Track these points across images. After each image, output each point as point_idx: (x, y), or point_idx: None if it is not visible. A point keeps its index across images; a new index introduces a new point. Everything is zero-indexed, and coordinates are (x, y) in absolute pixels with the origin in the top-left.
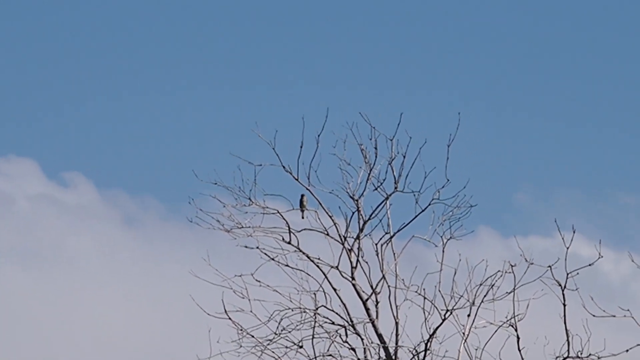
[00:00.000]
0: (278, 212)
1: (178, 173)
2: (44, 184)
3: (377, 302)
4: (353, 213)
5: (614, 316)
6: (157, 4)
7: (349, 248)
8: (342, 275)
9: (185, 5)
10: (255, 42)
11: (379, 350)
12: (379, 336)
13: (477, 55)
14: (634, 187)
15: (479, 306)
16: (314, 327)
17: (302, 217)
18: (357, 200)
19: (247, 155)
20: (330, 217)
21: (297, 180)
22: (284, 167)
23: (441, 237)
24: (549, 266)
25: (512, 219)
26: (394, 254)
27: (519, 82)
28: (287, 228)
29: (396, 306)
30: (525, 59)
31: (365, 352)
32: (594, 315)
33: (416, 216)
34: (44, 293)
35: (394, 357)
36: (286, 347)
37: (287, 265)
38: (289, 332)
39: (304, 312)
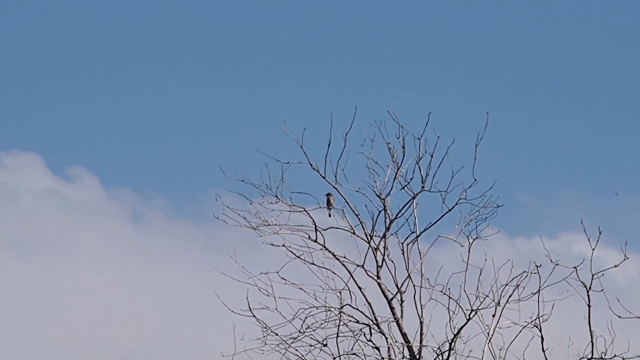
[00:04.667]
0: (305, 210)
1: (183, 171)
2: (49, 179)
3: (402, 302)
4: (380, 212)
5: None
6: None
7: (375, 247)
8: (367, 274)
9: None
10: (284, 38)
11: (403, 349)
12: (404, 335)
13: (490, 57)
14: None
15: (503, 306)
16: (339, 325)
17: (330, 216)
18: (383, 199)
19: (275, 153)
20: (357, 215)
21: (324, 178)
22: (311, 165)
23: (467, 237)
24: (575, 267)
25: (516, 219)
26: (420, 253)
27: (523, 83)
28: (314, 226)
29: (421, 305)
30: (526, 59)
31: (389, 351)
32: (619, 317)
33: (443, 216)
34: (50, 288)
35: (418, 357)
36: (310, 345)
37: (312, 264)
38: (314, 330)
39: (329, 310)
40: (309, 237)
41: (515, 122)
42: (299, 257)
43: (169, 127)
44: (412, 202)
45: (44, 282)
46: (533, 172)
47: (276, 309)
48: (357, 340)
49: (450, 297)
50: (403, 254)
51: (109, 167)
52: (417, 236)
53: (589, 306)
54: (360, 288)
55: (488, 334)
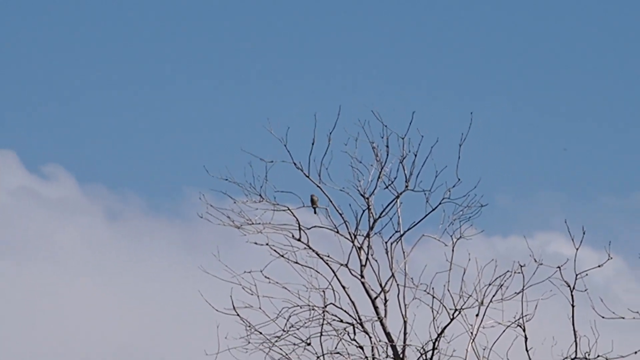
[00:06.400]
0: (288, 209)
1: (159, 168)
2: (24, 176)
3: (386, 301)
4: (363, 211)
5: (623, 318)
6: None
7: (359, 246)
8: (351, 273)
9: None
10: (267, 36)
11: (387, 348)
12: (387, 334)
13: (482, 55)
14: (615, 189)
15: (487, 306)
16: (323, 324)
17: (315, 212)
18: (367, 199)
19: (258, 152)
20: (341, 214)
21: (308, 177)
22: (295, 164)
23: (451, 236)
24: (558, 267)
25: (491, 218)
26: (404, 252)
27: (503, 83)
28: (297, 225)
29: (405, 305)
30: (508, 60)
31: (373, 351)
32: (602, 317)
33: (426, 215)
34: (24, 287)
35: (401, 356)
36: (294, 344)
37: (296, 263)
38: (297, 329)
39: (313, 309)
40: (293, 236)
41: (494, 122)
42: (282, 256)
43: (145, 124)
44: (396, 201)
45: (18, 281)
46: (508, 172)
47: (260, 308)
48: (340, 339)
49: (433, 297)
50: (387, 253)
51: (85, 164)
52: (401, 235)
53: (573, 306)
54: (344, 287)
55: (471, 333)
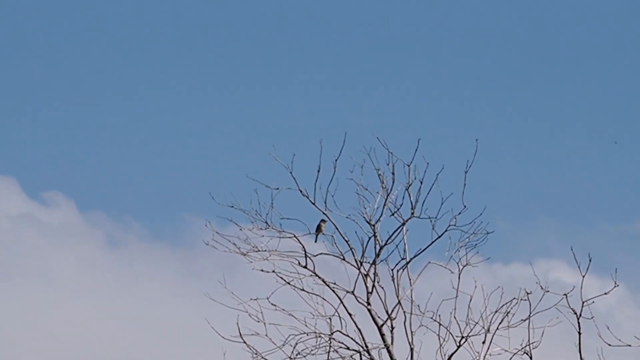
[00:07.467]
0: (294, 236)
1: (159, 195)
2: (25, 203)
3: (393, 328)
4: (369, 238)
5: (630, 345)
6: (161, 21)
7: (365, 273)
8: (357, 300)
9: (197, 20)
10: (272, 62)
11: None
12: None
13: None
14: (614, 216)
15: (494, 333)
16: (329, 352)
17: (315, 241)
18: (373, 226)
19: (264, 179)
20: (347, 242)
21: (313, 204)
22: (300, 191)
23: (457, 263)
24: (565, 294)
25: (494, 246)
26: (410, 279)
27: (505, 108)
28: (304, 252)
29: (411, 332)
30: (508, 88)
31: None
32: (609, 345)
33: (432, 242)
34: (25, 312)
35: None
36: None
37: (302, 290)
38: (304, 356)
39: (319, 336)
40: (299, 263)
41: (493, 148)
42: (289, 283)
43: (147, 151)
44: (402, 228)
45: (19, 306)
46: (507, 198)
47: (266, 335)
48: None
49: (440, 324)
50: (393, 280)
51: (85, 191)
52: (407, 262)
53: (580, 333)
54: (350, 314)
55: None
